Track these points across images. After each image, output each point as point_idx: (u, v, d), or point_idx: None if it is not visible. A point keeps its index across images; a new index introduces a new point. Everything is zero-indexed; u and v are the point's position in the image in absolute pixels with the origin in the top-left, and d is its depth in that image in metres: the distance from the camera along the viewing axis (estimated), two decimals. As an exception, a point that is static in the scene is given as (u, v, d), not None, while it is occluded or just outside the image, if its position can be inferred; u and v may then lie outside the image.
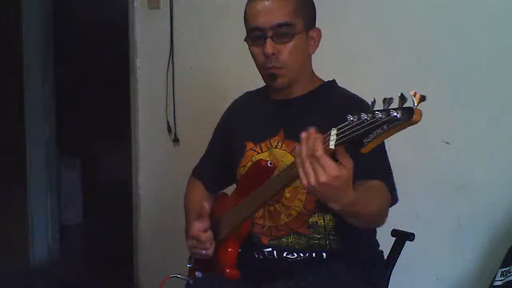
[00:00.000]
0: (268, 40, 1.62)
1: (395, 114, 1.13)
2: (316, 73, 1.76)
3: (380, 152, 1.61)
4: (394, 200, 1.59)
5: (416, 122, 1.12)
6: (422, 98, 1.12)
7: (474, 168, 2.16)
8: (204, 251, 1.75)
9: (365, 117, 1.18)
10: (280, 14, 1.62)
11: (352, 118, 1.21)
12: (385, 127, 1.15)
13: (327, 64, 1.83)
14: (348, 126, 1.22)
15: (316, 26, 1.72)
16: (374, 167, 1.55)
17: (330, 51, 2.20)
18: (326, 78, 1.77)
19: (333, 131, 1.26)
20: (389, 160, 1.64)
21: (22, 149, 3.83)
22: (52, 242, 4.03)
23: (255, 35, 1.66)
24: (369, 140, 1.18)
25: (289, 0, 1.63)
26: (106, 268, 3.82)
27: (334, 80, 1.77)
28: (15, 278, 3.57)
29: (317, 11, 1.73)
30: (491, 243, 2.13)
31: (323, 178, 1.27)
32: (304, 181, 1.30)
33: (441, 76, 2.18)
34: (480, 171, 2.15)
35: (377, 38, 2.31)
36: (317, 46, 1.71)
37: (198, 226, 1.75)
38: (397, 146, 1.64)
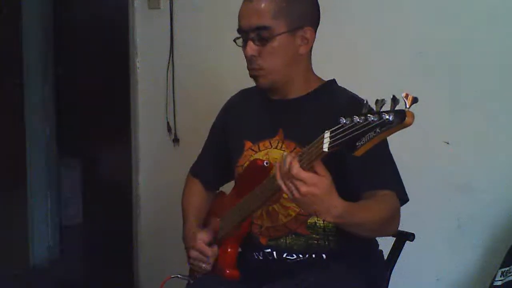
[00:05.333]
0: (249, 42, 1.63)
1: (387, 117, 1.12)
2: (316, 73, 1.76)
3: (383, 157, 1.61)
4: (404, 201, 1.59)
5: (408, 125, 1.12)
6: (414, 100, 1.11)
7: (474, 168, 2.16)
8: (205, 265, 1.75)
9: (358, 120, 1.17)
10: (258, 17, 1.61)
11: (345, 121, 1.20)
12: (377, 130, 1.14)
13: (326, 64, 1.83)
14: (341, 129, 1.21)
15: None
16: (379, 177, 1.56)
17: (329, 51, 2.20)
18: (326, 77, 1.77)
19: (327, 134, 1.26)
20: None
21: (22, 149, 3.83)
22: (52, 242, 4.02)
23: (240, 36, 1.67)
24: (361, 143, 1.17)
25: (271, 2, 1.60)
26: (106, 268, 3.81)
27: (333, 80, 1.76)
28: (15, 278, 3.57)
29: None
30: (491, 243, 2.13)
31: (303, 188, 1.32)
32: (289, 195, 1.36)
33: (441, 76, 2.19)
34: (480, 171, 2.15)
35: (376, 38, 2.31)
36: (310, 46, 1.68)
37: (203, 239, 1.76)
38: (397, 146, 1.64)
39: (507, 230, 2.08)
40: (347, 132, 1.20)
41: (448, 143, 2.19)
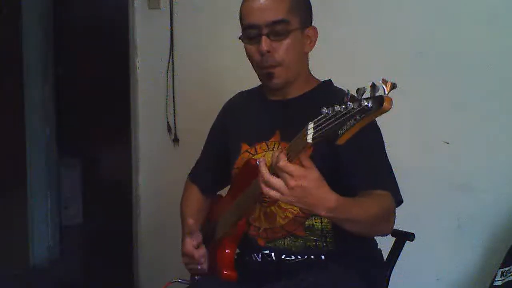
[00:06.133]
0: (264, 37, 1.61)
1: (365, 103, 1.12)
2: (314, 73, 1.76)
3: (380, 157, 1.60)
4: (398, 202, 1.58)
5: (387, 110, 1.12)
6: (393, 86, 1.12)
7: (474, 168, 2.16)
8: (199, 266, 1.75)
9: (339, 108, 1.18)
10: (276, 11, 1.60)
11: (327, 111, 1.21)
12: (357, 117, 1.14)
13: (325, 64, 1.83)
14: (324, 119, 1.21)
15: (313, 25, 1.71)
16: (375, 176, 1.55)
17: (328, 51, 2.20)
18: (325, 78, 1.76)
19: (310, 125, 1.25)
20: (389, 160, 1.64)
21: (22, 149, 3.83)
22: (52, 242, 4.02)
23: (250, 33, 1.64)
24: (342, 132, 1.17)
25: None
26: (106, 268, 3.81)
27: (330, 80, 1.75)
28: (15, 278, 3.57)
29: (316, 11, 1.73)
30: (491, 243, 2.13)
31: (291, 182, 1.30)
32: (276, 195, 1.32)
33: (441, 76, 2.18)
34: (480, 171, 2.15)
35: (376, 38, 2.31)
36: (313, 45, 1.69)
37: (191, 242, 1.75)
38: (397, 146, 1.64)
39: (507, 230, 2.08)
40: (329, 121, 1.20)
41: (448, 143, 2.19)
